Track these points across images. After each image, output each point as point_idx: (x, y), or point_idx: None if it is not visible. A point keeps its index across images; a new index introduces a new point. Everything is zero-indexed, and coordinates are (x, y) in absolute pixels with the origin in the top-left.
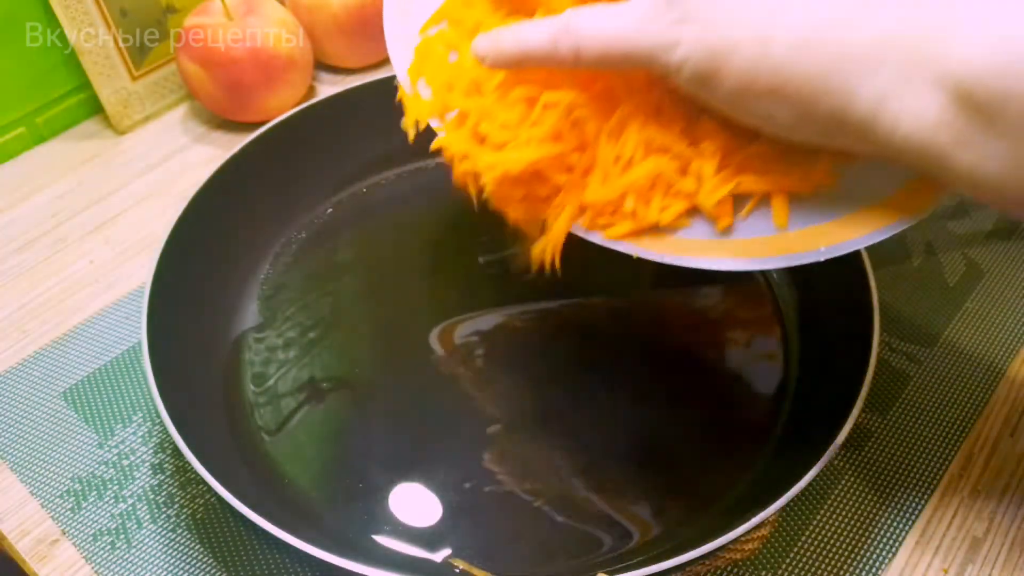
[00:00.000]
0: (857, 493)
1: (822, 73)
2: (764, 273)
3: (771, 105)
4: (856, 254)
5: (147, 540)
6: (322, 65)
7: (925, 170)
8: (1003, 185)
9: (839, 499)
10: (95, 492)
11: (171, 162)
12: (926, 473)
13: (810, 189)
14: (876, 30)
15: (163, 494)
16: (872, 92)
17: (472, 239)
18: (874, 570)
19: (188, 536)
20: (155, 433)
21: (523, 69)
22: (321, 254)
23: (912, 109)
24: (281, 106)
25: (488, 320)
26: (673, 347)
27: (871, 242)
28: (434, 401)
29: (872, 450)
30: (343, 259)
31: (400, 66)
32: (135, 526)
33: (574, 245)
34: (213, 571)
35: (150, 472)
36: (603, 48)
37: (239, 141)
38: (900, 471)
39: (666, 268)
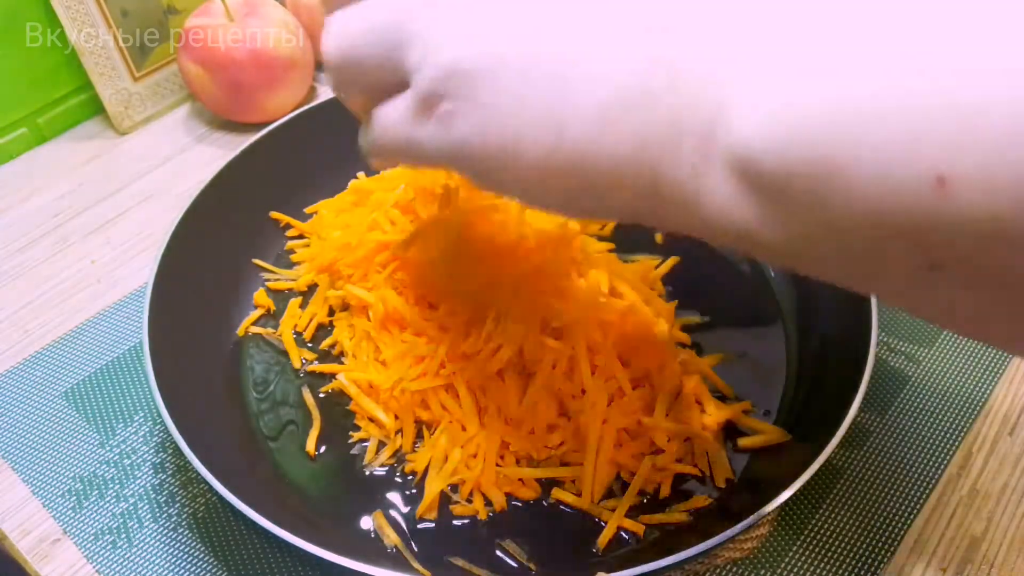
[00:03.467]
0: (856, 492)
1: (624, 157)
2: (763, 272)
3: (571, 192)
4: None
5: (148, 539)
6: (323, 66)
7: (740, 247)
8: (811, 261)
9: (838, 498)
10: (96, 491)
11: (172, 163)
12: (925, 472)
13: None
14: (666, 110)
15: (164, 493)
16: (673, 176)
17: None
18: (873, 569)
19: (189, 535)
20: (156, 432)
21: None
22: None
23: (712, 190)
24: (282, 107)
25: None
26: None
27: None
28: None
29: (871, 449)
30: None
31: None
32: (136, 525)
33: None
34: (214, 570)
35: (151, 471)
36: (339, 46)
37: (240, 142)
38: (899, 470)
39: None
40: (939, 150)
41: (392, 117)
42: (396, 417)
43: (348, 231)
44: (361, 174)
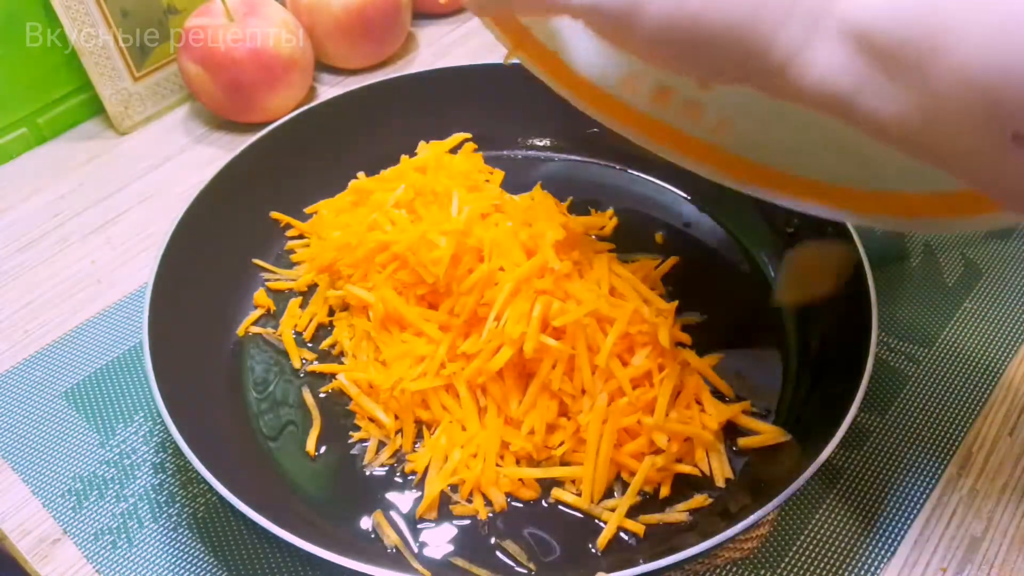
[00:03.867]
0: (856, 492)
1: (736, 23)
2: (763, 271)
3: (686, 52)
4: (855, 254)
5: (148, 539)
6: (323, 66)
7: (835, 115)
8: (904, 129)
9: (838, 498)
10: (96, 491)
11: (172, 163)
12: (925, 472)
13: None
14: None
15: (164, 493)
16: (784, 41)
17: None
18: (872, 569)
19: (189, 535)
20: (156, 432)
21: None
22: None
23: (819, 57)
24: (282, 107)
25: None
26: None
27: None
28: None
29: (871, 449)
30: None
31: None
32: (136, 525)
33: None
34: (214, 570)
35: (151, 471)
36: None
37: (240, 142)
38: (899, 470)
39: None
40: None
41: None
42: (396, 417)
43: (348, 231)
44: (361, 174)
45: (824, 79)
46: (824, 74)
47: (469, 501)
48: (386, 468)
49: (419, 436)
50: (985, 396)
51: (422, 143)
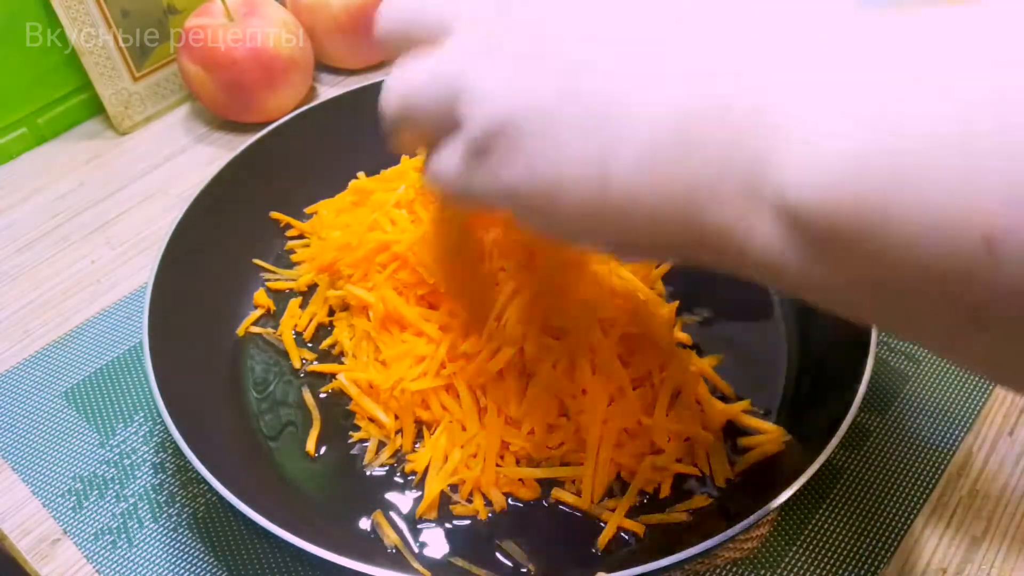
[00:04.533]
0: (856, 492)
1: (668, 199)
2: None
3: (617, 235)
4: None
5: (148, 539)
6: (323, 66)
7: (785, 288)
8: (857, 309)
9: (838, 498)
10: (96, 491)
11: (172, 163)
12: (925, 472)
13: None
14: (714, 151)
15: (164, 493)
16: (721, 217)
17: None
18: (872, 569)
19: (189, 535)
20: (156, 432)
21: None
22: None
23: (757, 234)
24: (282, 107)
25: None
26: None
27: None
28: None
29: (871, 449)
30: None
31: None
32: (136, 525)
33: None
34: (214, 570)
35: (151, 471)
36: (405, 99)
37: (240, 142)
38: (899, 470)
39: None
40: (989, 208)
41: (445, 164)
42: (396, 417)
43: (348, 231)
44: (361, 174)
45: (765, 258)
46: (765, 253)
47: (469, 501)
48: (386, 468)
49: (419, 436)
50: (985, 396)
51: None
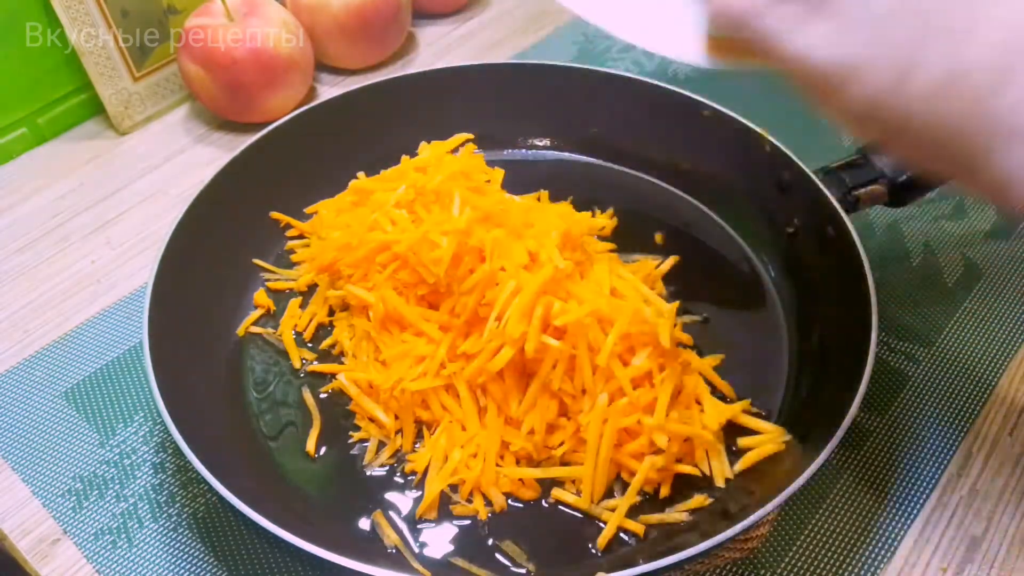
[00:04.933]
0: (856, 492)
1: (956, 128)
2: (763, 272)
3: (892, 132)
4: (854, 254)
5: (148, 539)
6: (323, 66)
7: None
8: None
9: (838, 498)
10: (96, 491)
11: (172, 163)
12: (925, 472)
13: None
14: (1018, 95)
15: (164, 493)
16: (1007, 163)
17: None
18: (873, 569)
19: (189, 535)
20: (156, 433)
21: None
22: None
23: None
24: (282, 107)
25: None
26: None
27: None
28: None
29: (871, 449)
30: None
31: None
32: (136, 525)
33: None
34: (214, 570)
35: (151, 471)
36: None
37: (240, 142)
38: (899, 470)
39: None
40: None
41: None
42: (396, 417)
43: (348, 231)
44: (361, 174)
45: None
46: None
47: (469, 501)
48: (386, 468)
49: (419, 436)
50: (985, 396)
51: (423, 143)
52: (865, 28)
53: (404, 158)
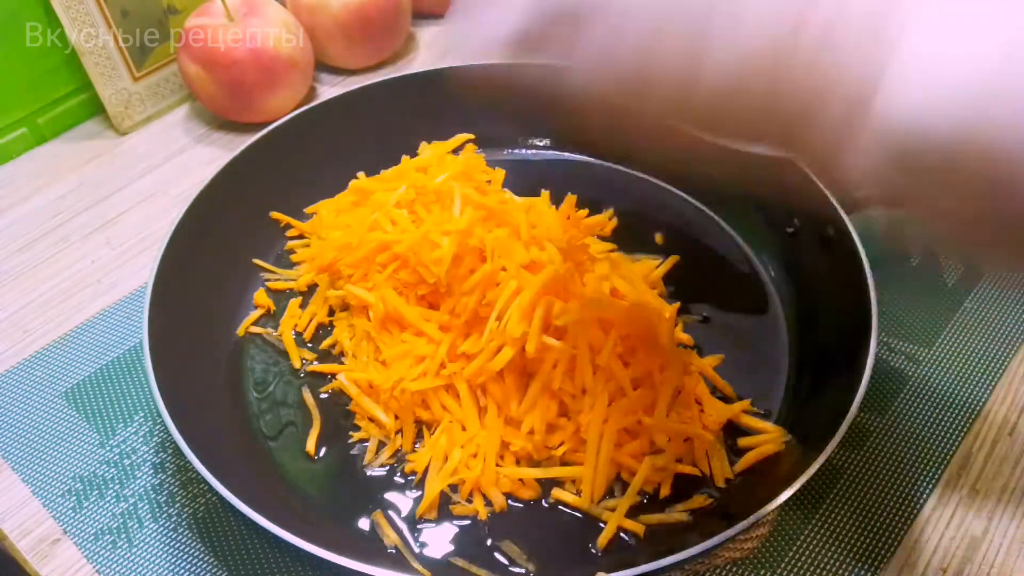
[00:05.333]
0: (856, 492)
1: (763, 105)
2: (763, 272)
3: (703, 119)
4: (854, 253)
5: (148, 539)
6: (323, 66)
7: (885, 207)
8: (957, 229)
9: (838, 498)
10: (96, 491)
11: (172, 163)
12: (925, 472)
13: None
14: (817, 63)
15: (164, 493)
16: (814, 134)
17: None
18: (873, 568)
19: (189, 535)
20: (156, 432)
21: None
22: None
23: (855, 154)
24: (282, 107)
25: None
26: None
27: None
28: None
29: (871, 449)
30: None
31: None
32: (136, 525)
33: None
34: (214, 570)
35: (151, 471)
36: None
37: (240, 142)
38: (899, 470)
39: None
40: None
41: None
42: (396, 417)
43: (348, 231)
44: (361, 174)
45: (859, 177)
46: (860, 172)
47: (469, 501)
48: (386, 468)
49: (419, 436)
50: (985, 396)
51: (424, 144)
52: (629, 26)
53: (404, 158)
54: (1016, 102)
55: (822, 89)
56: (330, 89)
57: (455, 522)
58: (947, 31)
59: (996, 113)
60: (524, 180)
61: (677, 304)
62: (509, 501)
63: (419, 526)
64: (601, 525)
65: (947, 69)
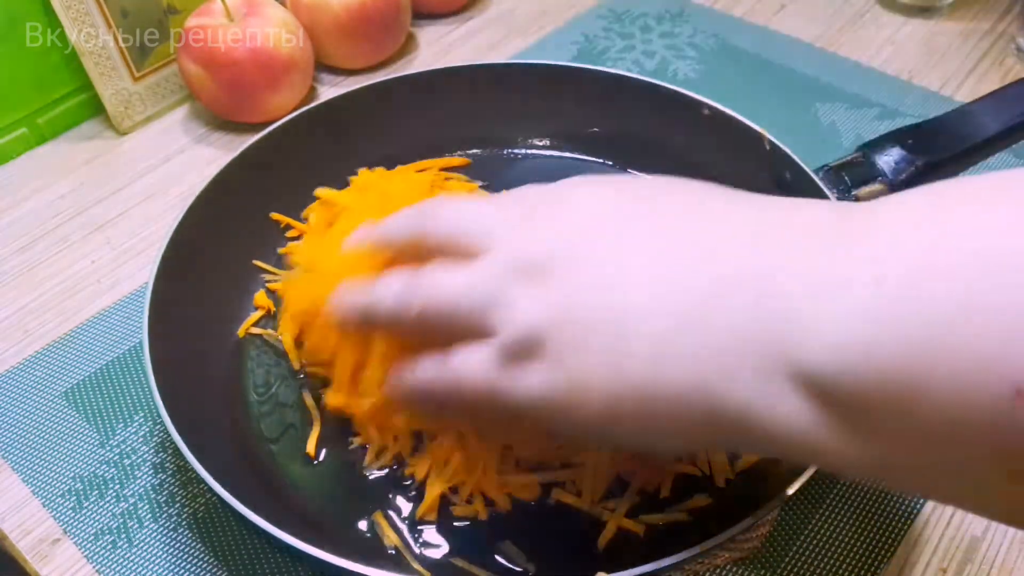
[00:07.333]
0: (856, 492)
1: (684, 389)
2: None
3: (637, 426)
4: None
5: (148, 539)
6: (323, 66)
7: (812, 463)
8: (886, 476)
9: (838, 498)
10: (96, 491)
11: (172, 163)
12: None
13: None
14: (727, 330)
15: (164, 493)
16: (738, 400)
17: None
18: (873, 568)
19: (189, 535)
20: (156, 433)
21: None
22: None
23: (781, 410)
24: (282, 107)
25: None
26: None
27: None
28: None
29: None
30: None
31: None
32: (136, 525)
33: None
34: (214, 570)
35: (151, 471)
36: (437, 304)
37: (240, 142)
38: None
39: None
40: (1016, 363)
41: (475, 360)
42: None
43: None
44: (363, 171)
45: (791, 434)
46: (790, 429)
47: (469, 502)
48: (386, 470)
49: (419, 438)
50: None
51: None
52: (570, 353)
53: (362, 170)
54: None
55: (734, 349)
56: (330, 89)
57: (455, 523)
58: (842, 285)
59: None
60: (524, 180)
61: None
62: (508, 498)
63: (419, 527)
64: (602, 525)
65: (849, 317)
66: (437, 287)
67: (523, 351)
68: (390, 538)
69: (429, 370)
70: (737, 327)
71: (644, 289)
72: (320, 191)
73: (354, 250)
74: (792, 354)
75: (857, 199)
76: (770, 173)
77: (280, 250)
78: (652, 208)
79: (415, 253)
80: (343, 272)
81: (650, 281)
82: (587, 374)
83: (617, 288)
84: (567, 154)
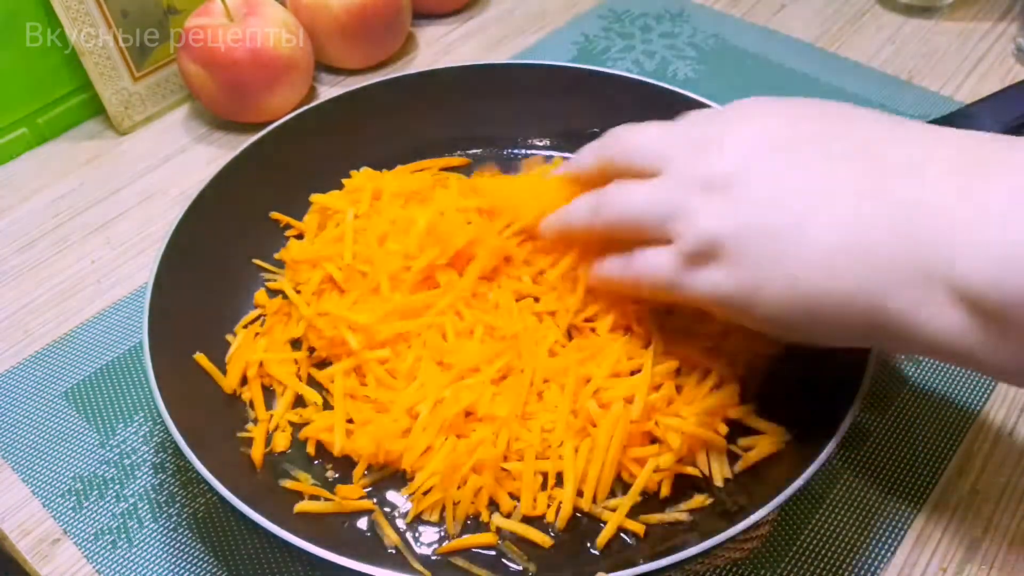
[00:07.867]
0: (856, 492)
1: (849, 296)
2: None
3: (806, 324)
4: None
5: (148, 539)
6: (323, 66)
7: (958, 364)
8: None
9: (838, 498)
10: (96, 491)
11: (172, 163)
12: (925, 472)
13: None
14: (893, 247)
15: (164, 493)
16: (898, 306)
17: None
18: (873, 569)
19: (189, 535)
20: (156, 432)
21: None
22: None
23: (936, 319)
24: (282, 107)
25: None
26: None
27: None
28: None
29: (871, 449)
30: None
31: None
32: (136, 525)
33: None
34: (214, 570)
35: (151, 471)
36: (622, 213)
37: (240, 142)
38: (899, 470)
39: None
40: None
41: (657, 261)
42: None
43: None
44: (367, 168)
45: (942, 339)
46: (941, 335)
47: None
48: (385, 478)
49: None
50: (985, 396)
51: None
52: (749, 260)
53: (353, 173)
54: None
55: (899, 266)
56: (330, 89)
57: (456, 522)
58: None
59: None
60: None
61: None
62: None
63: (419, 526)
64: (601, 525)
65: (1003, 233)
66: (623, 200)
67: (702, 255)
68: (390, 537)
69: (615, 268)
70: (902, 247)
71: (818, 208)
72: (314, 197)
73: (552, 181)
74: (950, 271)
75: None
76: None
77: (275, 255)
78: (820, 131)
79: (601, 180)
80: (544, 203)
81: (823, 200)
82: (763, 280)
83: (792, 204)
84: (567, 154)
